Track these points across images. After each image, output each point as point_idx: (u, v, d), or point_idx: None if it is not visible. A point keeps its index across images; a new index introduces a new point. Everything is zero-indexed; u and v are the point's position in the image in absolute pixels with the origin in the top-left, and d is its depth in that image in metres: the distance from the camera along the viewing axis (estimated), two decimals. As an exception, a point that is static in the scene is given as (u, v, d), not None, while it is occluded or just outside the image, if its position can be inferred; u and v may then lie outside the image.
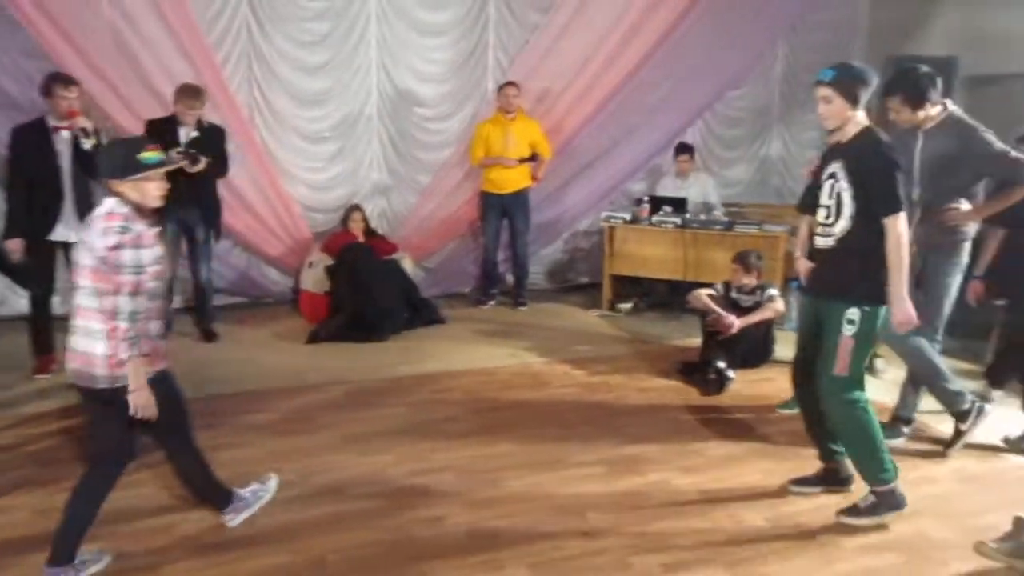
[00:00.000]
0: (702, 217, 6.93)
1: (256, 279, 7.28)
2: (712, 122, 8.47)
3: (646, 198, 7.20)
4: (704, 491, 3.85)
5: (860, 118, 3.45)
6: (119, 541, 3.33)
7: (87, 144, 5.00)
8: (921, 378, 4.36)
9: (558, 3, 7.45)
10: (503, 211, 7.25)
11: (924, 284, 4.23)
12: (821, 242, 3.61)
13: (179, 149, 5.61)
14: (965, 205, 4.10)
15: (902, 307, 3.39)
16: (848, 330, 3.43)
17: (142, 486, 3.80)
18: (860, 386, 3.53)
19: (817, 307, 3.64)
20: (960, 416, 4.26)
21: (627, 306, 7.29)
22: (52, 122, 5.04)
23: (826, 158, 3.63)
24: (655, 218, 6.91)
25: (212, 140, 5.88)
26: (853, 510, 3.57)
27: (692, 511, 3.66)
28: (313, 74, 7.05)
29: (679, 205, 7.01)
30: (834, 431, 3.69)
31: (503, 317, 7.10)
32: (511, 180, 7.11)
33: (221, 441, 4.31)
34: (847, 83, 3.37)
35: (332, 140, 7.26)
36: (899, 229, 3.34)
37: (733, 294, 5.63)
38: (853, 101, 3.39)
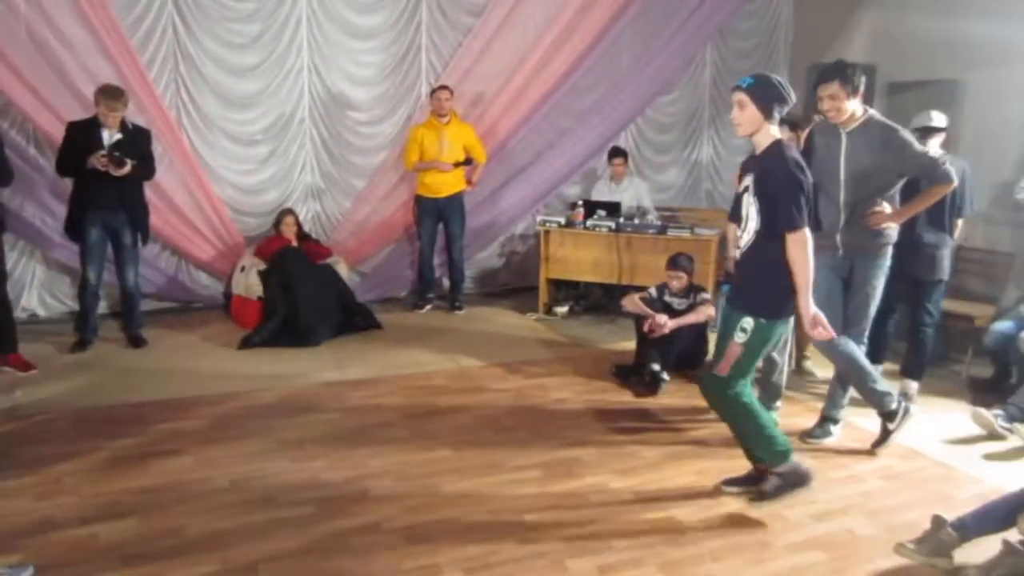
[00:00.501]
0: (635, 221, 7.00)
1: (186, 284, 7.13)
2: (644, 127, 8.59)
3: (580, 202, 7.25)
4: (639, 493, 3.88)
5: (772, 131, 3.46)
6: (41, 552, 3.22)
7: None
8: (849, 379, 4.46)
9: (490, 6, 7.48)
10: (438, 215, 7.23)
11: (850, 287, 4.34)
12: (736, 253, 3.71)
13: (103, 152, 5.48)
14: (887, 208, 4.19)
15: (809, 321, 3.45)
16: (739, 337, 3.50)
17: (62, 495, 3.69)
18: (738, 383, 3.60)
19: (729, 313, 3.70)
20: (888, 416, 4.37)
21: (563, 310, 7.32)
22: None
23: (744, 168, 3.69)
24: (589, 222, 6.96)
25: (137, 142, 5.75)
26: (760, 495, 3.67)
27: (627, 513, 3.69)
28: (243, 76, 6.95)
29: (613, 209, 7.08)
30: (726, 422, 3.78)
31: (439, 321, 7.08)
32: (446, 184, 7.09)
33: (150, 449, 4.23)
34: (763, 93, 3.39)
35: (263, 143, 7.17)
36: (799, 246, 3.36)
37: (666, 297, 5.70)
38: (766, 112, 3.40)
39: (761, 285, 3.50)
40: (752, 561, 3.32)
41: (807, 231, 3.38)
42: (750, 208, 3.51)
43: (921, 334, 5.23)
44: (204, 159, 6.92)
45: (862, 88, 4.15)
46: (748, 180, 3.54)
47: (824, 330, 3.45)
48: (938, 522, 3.30)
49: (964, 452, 4.45)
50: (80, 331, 5.93)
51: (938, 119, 5.23)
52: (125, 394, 5.04)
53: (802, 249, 3.37)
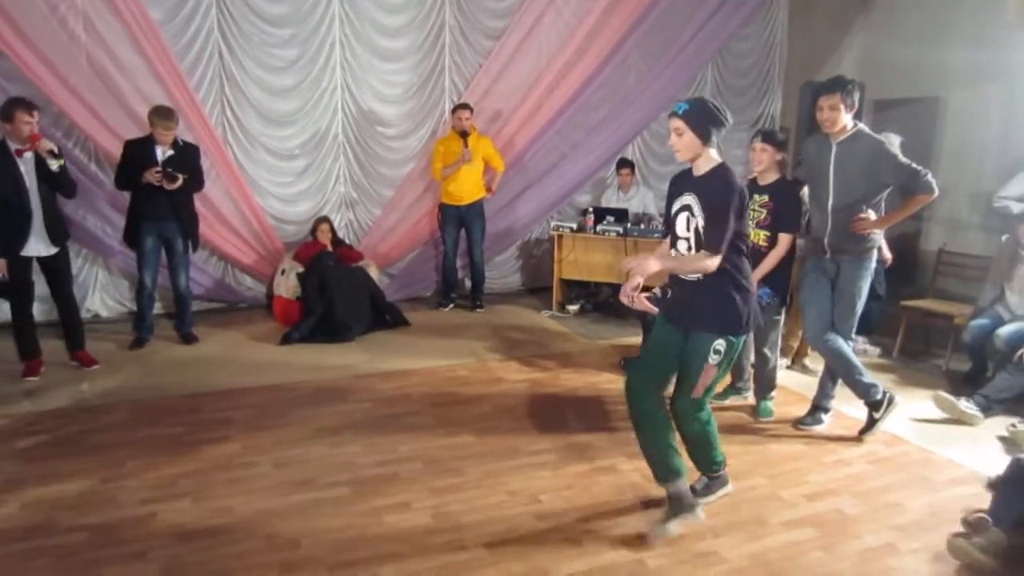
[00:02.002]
0: (641, 226, 7.02)
1: (232, 286, 7.22)
2: (649, 140, 8.61)
3: (591, 209, 7.28)
4: (646, 475, 3.85)
5: (713, 155, 3.21)
6: (106, 530, 3.29)
7: (55, 165, 4.97)
8: (839, 372, 4.47)
9: (508, 30, 7.53)
10: (460, 221, 7.27)
11: (837, 287, 4.35)
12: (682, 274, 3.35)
13: (156, 169, 5.56)
14: (872, 215, 4.20)
15: (648, 263, 3.15)
16: (713, 359, 3.24)
17: (124, 478, 3.76)
18: (706, 403, 3.41)
19: (676, 334, 3.37)
20: (874, 406, 4.38)
21: (575, 307, 7.36)
22: (13, 145, 4.92)
23: (676, 186, 3.36)
24: (599, 227, 6.99)
25: (187, 157, 5.82)
26: (691, 491, 3.45)
27: (635, 493, 3.73)
28: (282, 96, 7.02)
29: (621, 215, 7.11)
30: (682, 437, 3.47)
31: (461, 319, 7.13)
32: (468, 192, 7.13)
33: (201, 436, 4.29)
34: (698, 118, 3.14)
35: (300, 157, 7.23)
36: (708, 265, 3.12)
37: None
38: (704, 137, 3.15)
39: (720, 305, 3.22)
40: (750, 536, 3.35)
41: (718, 260, 3.13)
42: (690, 227, 3.22)
43: None
44: (247, 172, 7.00)
45: (857, 105, 4.17)
46: (689, 199, 3.23)
47: (637, 272, 3.15)
48: (982, 523, 3.27)
49: (943, 439, 4.45)
50: (138, 330, 6.01)
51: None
52: (178, 386, 5.12)
53: (703, 268, 3.14)
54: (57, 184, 5.10)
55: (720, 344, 3.24)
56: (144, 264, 5.83)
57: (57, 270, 5.23)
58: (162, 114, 5.63)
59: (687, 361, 3.31)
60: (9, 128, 4.89)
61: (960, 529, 3.32)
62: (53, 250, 5.16)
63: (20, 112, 4.86)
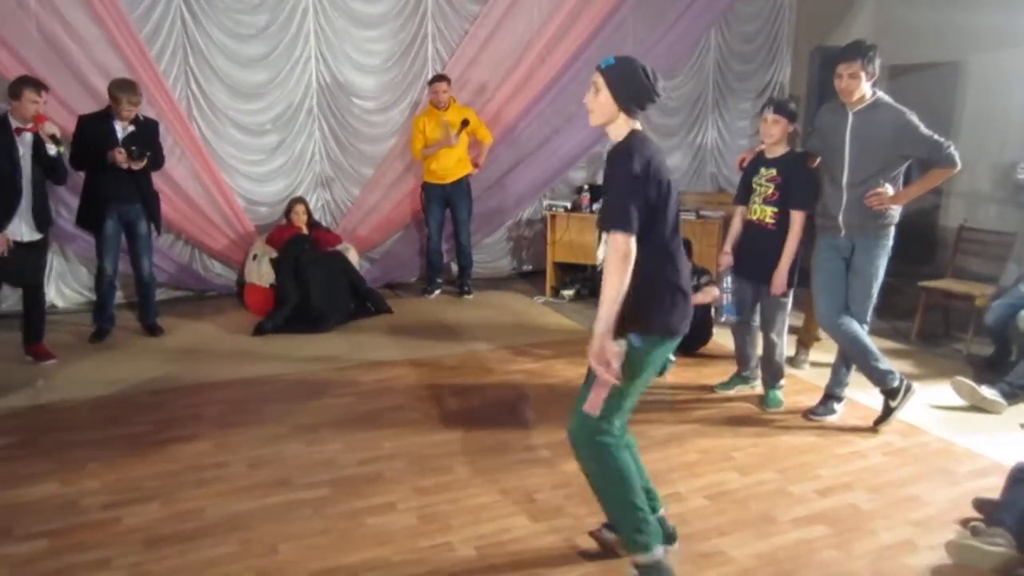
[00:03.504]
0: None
1: (199, 272, 7.20)
2: (649, 111, 8.49)
3: (586, 186, 7.28)
4: (651, 471, 3.91)
5: (630, 121, 2.89)
6: (67, 536, 3.29)
7: (54, 150, 5.08)
8: (853, 358, 4.49)
9: (495, -8, 7.48)
10: (446, 201, 7.26)
11: (852, 268, 4.36)
12: (602, 255, 2.97)
13: (120, 148, 5.52)
14: (889, 189, 4.20)
15: (597, 345, 2.68)
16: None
17: (86, 480, 3.76)
18: (611, 429, 2.91)
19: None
20: (890, 393, 4.40)
21: (570, 292, 7.37)
22: (15, 123, 5.02)
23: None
24: (595, 206, 6.99)
25: (149, 134, 5.78)
26: None
27: (635, 490, 3.74)
28: (251, 67, 6.98)
29: (618, 193, 7.08)
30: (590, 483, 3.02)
31: (448, 306, 7.13)
32: (452, 170, 7.12)
33: (168, 435, 4.29)
34: (620, 78, 2.83)
35: (272, 132, 7.21)
36: (617, 248, 2.69)
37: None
38: (622, 102, 2.83)
39: (635, 298, 2.78)
40: (758, 535, 3.37)
41: (626, 237, 2.69)
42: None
43: None
44: (215, 150, 6.96)
45: (877, 72, 4.17)
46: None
47: (609, 369, 2.70)
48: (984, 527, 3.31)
49: (964, 428, 4.49)
50: (98, 321, 5.98)
51: None
52: (143, 382, 5.11)
53: (618, 253, 2.69)
54: (52, 169, 5.18)
55: (619, 344, 2.79)
56: (104, 249, 5.80)
57: (34, 258, 5.28)
58: (126, 88, 5.58)
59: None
60: (15, 105, 5.02)
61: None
62: (37, 236, 5.23)
63: (28, 91, 5.01)
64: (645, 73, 2.83)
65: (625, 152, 2.80)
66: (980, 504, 3.51)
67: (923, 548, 3.28)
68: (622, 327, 2.80)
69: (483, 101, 7.62)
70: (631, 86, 2.83)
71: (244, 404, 4.78)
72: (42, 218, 5.24)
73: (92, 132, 5.60)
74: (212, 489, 3.71)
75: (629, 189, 2.74)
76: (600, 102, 2.87)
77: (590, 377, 2.89)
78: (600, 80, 2.86)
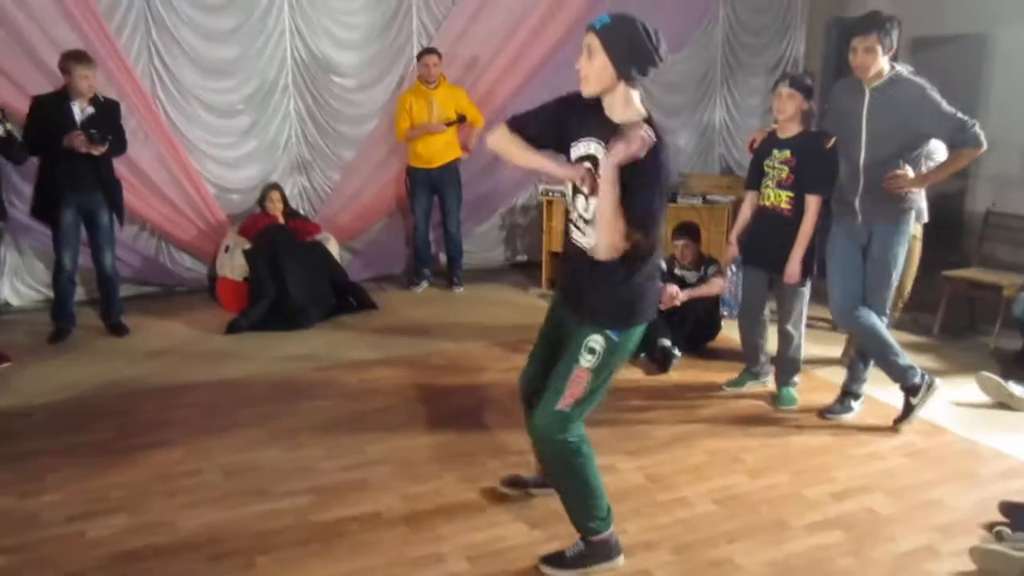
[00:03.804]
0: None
1: (167, 266, 7.21)
2: (652, 88, 8.59)
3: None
4: (650, 475, 3.98)
5: (634, 99, 2.79)
6: (26, 552, 3.31)
7: (0, 129, 5.06)
8: (871, 353, 4.54)
9: (486, -39, 7.49)
10: (433, 187, 7.28)
11: (870, 256, 4.40)
12: (577, 238, 3.01)
13: (79, 132, 5.50)
14: (910, 171, 4.22)
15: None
16: (586, 360, 2.92)
17: (46, 493, 3.78)
18: (579, 425, 3.05)
19: (563, 321, 3.15)
20: (911, 390, 4.44)
21: (567, 285, 7.38)
22: None
23: (577, 116, 2.93)
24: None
25: (110, 115, 5.78)
26: (557, 559, 3.20)
27: (638, 495, 3.78)
28: (220, 41, 6.97)
29: (619, 177, 7.11)
30: (548, 470, 3.29)
31: (437, 299, 7.16)
32: (439, 153, 7.14)
33: (136, 442, 4.31)
34: (617, 39, 2.68)
35: (244, 113, 7.21)
36: (618, 242, 2.73)
37: (677, 271, 5.78)
38: (621, 67, 2.71)
39: (618, 292, 2.90)
40: (769, 542, 3.41)
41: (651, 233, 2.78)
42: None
43: None
44: (182, 132, 6.95)
45: (895, 46, 4.19)
46: (594, 149, 2.85)
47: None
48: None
49: (990, 427, 4.54)
50: (57, 320, 5.98)
51: None
52: (108, 385, 5.13)
53: (616, 242, 2.73)
54: (2, 150, 5.16)
55: (597, 341, 2.90)
56: (62, 241, 5.79)
57: None
58: (75, 57, 5.55)
59: (560, 360, 3.03)
60: None
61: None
62: None
63: None
64: (647, 33, 2.68)
65: (662, 143, 2.71)
66: (1007, 508, 3.57)
67: (945, 555, 3.33)
68: (601, 318, 2.93)
69: (473, 78, 7.63)
70: (630, 48, 2.68)
71: (218, 408, 4.80)
72: None
73: (48, 114, 5.58)
74: (184, 499, 3.73)
75: (657, 188, 2.71)
76: (595, 68, 2.73)
77: (557, 371, 3.01)
78: (595, 42, 2.71)
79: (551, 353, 3.17)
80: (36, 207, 5.84)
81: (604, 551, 3.19)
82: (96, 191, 5.77)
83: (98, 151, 5.57)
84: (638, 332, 3.02)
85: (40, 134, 5.57)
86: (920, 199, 4.99)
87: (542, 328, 3.32)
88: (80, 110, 5.64)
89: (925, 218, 5.33)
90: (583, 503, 3.16)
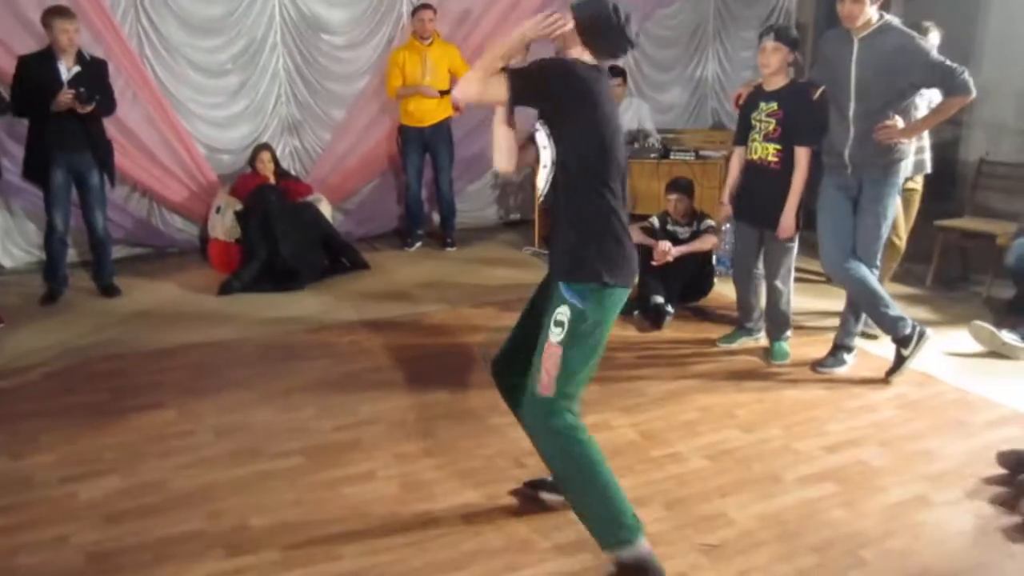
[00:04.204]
0: (635, 145, 6.97)
1: (158, 227, 7.15)
2: (644, 42, 8.47)
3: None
4: (643, 431, 3.96)
5: (581, 53, 2.87)
6: (20, 513, 3.30)
7: None
8: (862, 305, 4.51)
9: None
10: (424, 145, 7.20)
11: (860, 208, 4.36)
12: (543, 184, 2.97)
13: (67, 90, 5.42)
14: (900, 121, 4.17)
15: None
16: (555, 334, 2.76)
17: (39, 453, 3.77)
18: (571, 410, 2.83)
19: (549, 286, 2.97)
20: (902, 342, 4.42)
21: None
22: None
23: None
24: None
25: (97, 74, 5.69)
26: None
27: (631, 451, 3.77)
28: (207, -1, 6.85)
29: (612, 133, 7.03)
30: (553, 473, 3.02)
31: (430, 259, 7.12)
32: (431, 112, 7.04)
33: (129, 403, 4.30)
34: (587, 10, 2.82)
35: (233, 72, 7.11)
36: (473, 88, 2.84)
37: (669, 226, 5.72)
38: (585, 34, 2.83)
39: (574, 249, 2.80)
40: (761, 496, 3.40)
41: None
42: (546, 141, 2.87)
43: None
44: (170, 92, 6.86)
45: None
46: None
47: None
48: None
49: (982, 376, 4.53)
50: (49, 281, 5.95)
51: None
52: (100, 346, 5.10)
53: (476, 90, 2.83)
54: None
55: (563, 313, 2.76)
56: (53, 203, 5.74)
57: None
58: (58, 12, 5.48)
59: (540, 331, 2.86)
60: None
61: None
62: None
63: None
64: (615, 11, 2.79)
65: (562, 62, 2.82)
66: (1005, 457, 3.54)
67: (937, 504, 3.33)
68: (565, 273, 2.81)
69: (465, 32, 7.51)
70: (596, 21, 2.81)
71: (210, 369, 4.78)
72: None
73: (34, 73, 5.50)
74: (176, 460, 3.72)
75: (534, 70, 2.79)
76: (567, 35, 2.84)
77: (537, 349, 2.84)
78: (569, 15, 2.83)
79: (530, 322, 3.04)
80: (26, 168, 5.77)
81: (639, 572, 2.76)
82: (85, 151, 5.70)
83: (84, 110, 5.49)
84: (610, 300, 2.82)
85: (27, 94, 5.50)
86: (924, 149, 4.96)
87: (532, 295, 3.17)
88: (67, 69, 5.55)
89: (928, 169, 5.26)
90: (600, 508, 2.80)
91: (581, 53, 2.86)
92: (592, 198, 2.80)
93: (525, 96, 2.79)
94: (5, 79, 5.76)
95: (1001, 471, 3.51)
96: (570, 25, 2.81)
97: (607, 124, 2.80)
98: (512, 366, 3.09)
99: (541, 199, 3.01)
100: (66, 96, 5.41)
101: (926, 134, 4.94)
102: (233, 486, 3.51)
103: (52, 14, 5.46)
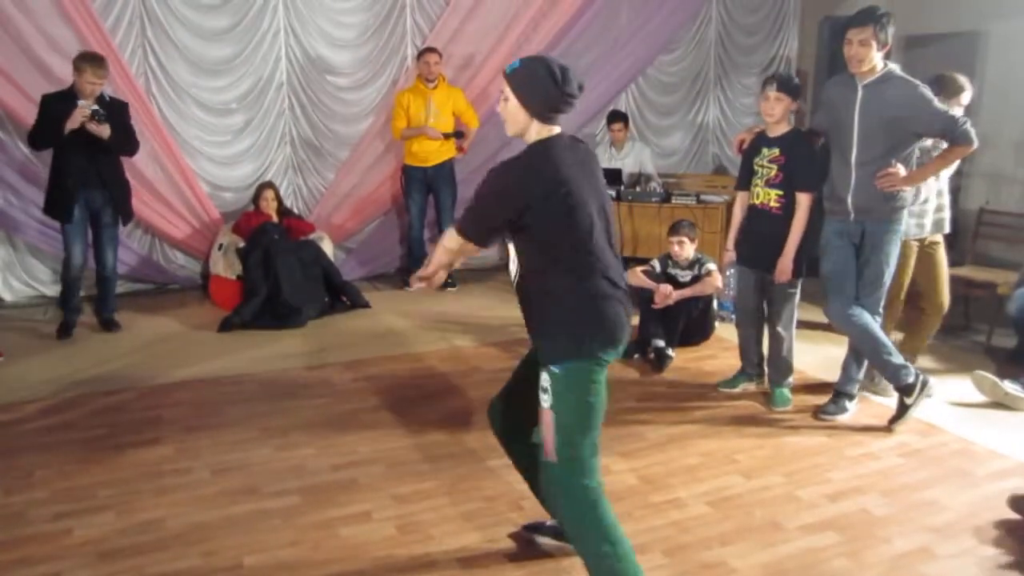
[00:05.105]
0: (637, 188, 6.99)
1: (160, 264, 7.16)
2: (646, 88, 8.58)
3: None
4: (643, 476, 3.92)
5: (544, 129, 2.81)
6: (13, 549, 3.25)
7: None
8: (865, 352, 4.49)
9: (480, -39, 7.44)
10: (428, 185, 7.23)
11: (862, 254, 4.35)
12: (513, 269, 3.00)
13: (86, 106, 5.39)
14: (901, 169, 4.19)
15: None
16: (544, 400, 2.77)
17: (34, 490, 3.72)
18: (583, 473, 2.78)
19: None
20: (905, 390, 4.39)
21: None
22: None
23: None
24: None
25: (116, 114, 5.69)
26: None
27: (631, 497, 3.72)
28: (215, 40, 6.93)
29: (614, 176, 7.08)
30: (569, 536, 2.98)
31: (430, 299, 7.09)
32: (435, 152, 7.08)
33: (125, 440, 4.26)
34: (526, 84, 2.75)
35: (239, 112, 7.17)
36: (451, 242, 2.94)
37: (670, 269, 5.72)
38: (530, 109, 2.77)
39: (550, 321, 2.82)
40: (763, 544, 3.35)
41: (464, 246, 2.90)
42: None
43: None
44: (176, 130, 6.91)
45: (890, 42, 4.15)
46: None
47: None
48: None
49: (985, 426, 4.49)
50: (65, 311, 5.95)
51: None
52: (99, 381, 5.07)
53: (446, 248, 2.96)
54: None
55: (545, 380, 2.75)
56: (71, 238, 5.74)
57: None
58: (95, 60, 5.47)
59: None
60: None
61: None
62: None
63: None
64: (552, 76, 2.71)
65: (504, 168, 2.77)
66: (1018, 502, 3.51)
67: (941, 556, 3.27)
68: (550, 354, 2.77)
69: (468, 77, 7.58)
70: (539, 92, 2.74)
71: (208, 405, 4.74)
72: None
73: (54, 110, 5.47)
74: (173, 497, 3.68)
75: (485, 204, 2.80)
76: (509, 110, 2.81)
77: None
78: (507, 87, 2.79)
79: (528, 369, 3.02)
80: (48, 205, 5.75)
81: None
82: (97, 188, 5.69)
83: (98, 131, 5.45)
84: (593, 369, 2.78)
85: (45, 130, 5.48)
86: (944, 208, 4.90)
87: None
88: (87, 106, 5.50)
89: (947, 228, 5.00)
90: (605, 568, 2.73)
91: (536, 130, 2.81)
92: (563, 275, 2.76)
93: (491, 237, 2.87)
94: (16, 117, 5.77)
95: (1014, 516, 3.48)
96: (513, 100, 2.78)
97: (580, 194, 2.73)
98: (508, 409, 3.13)
99: (514, 281, 2.99)
100: (82, 112, 5.39)
101: (946, 192, 4.88)
102: (229, 525, 3.46)
103: (85, 60, 5.45)
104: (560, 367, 2.73)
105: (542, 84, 2.73)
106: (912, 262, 4.86)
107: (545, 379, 2.75)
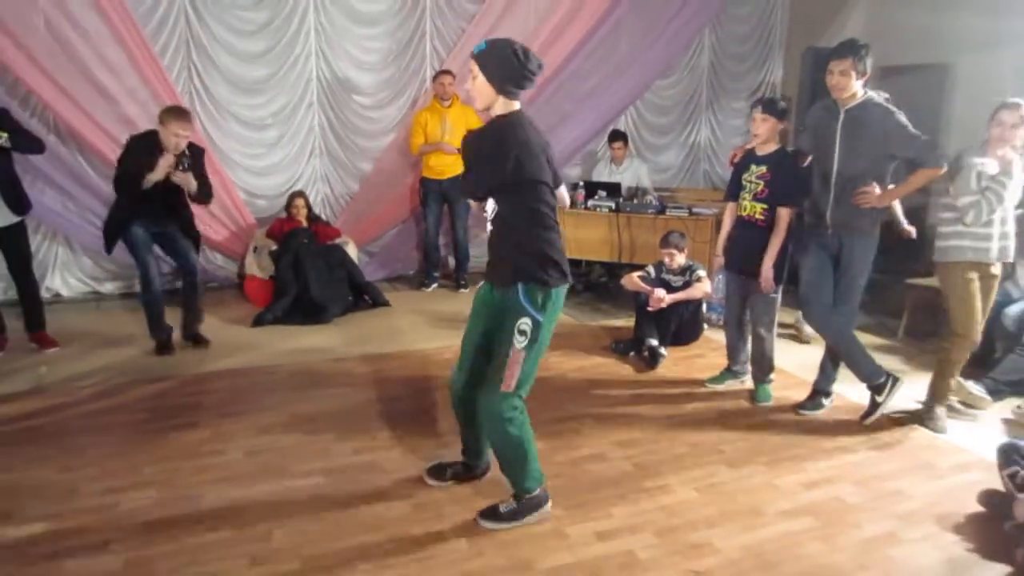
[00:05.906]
0: (635, 201, 7.00)
1: (201, 264, 7.12)
2: (643, 109, 8.58)
3: (581, 183, 7.26)
4: (637, 463, 3.92)
5: (508, 103, 3.06)
6: (65, 519, 3.28)
7: (2, 139, 4.89)
8: (840, 353, 4.49)
9: (493, -7, 7.45)
10: (443, 196, 7.23)
11: (840, 265, 4.35)
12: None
13: (167, 154, 5.00)
14: (877, 189, 4.19)
15: None
16: (519, 342, 3.08)
17: (86, 467, 3.75)
18: (520, 398, 3.19)
19: (495, 303, 3.28)
20: (876, 389, 4.40)
21: (564, 287, 7.34)
22: None
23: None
24: (590, 202, 6.96)
25: (195, 161, 5.22)
26: (492, 514, 3.33)
27: (625, 482, 3.73)
28: (252, 62, 6.96)
29: (613, 190, 7.08)
30: (491, 445, 3.37)
31: (445, 299, 7.12)
32: (450, 166, 7.08)
33: (168, 423, 4.28)
34: (491, 61, 2.97)
35: (273, 127, 7.19)
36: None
37: (664, 275, 5.73)
38: (496, 83, 2.99)
39: (519, 261, 3.13)
40: (745, 527, 3.36)
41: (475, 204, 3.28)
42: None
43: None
44: (216, 143, 6.94)
45: (869, 71, 4.15)
46: None
47: None
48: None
49: (950, 423, 4.47)
50: (156, 333, 5.48)
51: None
52: (144, 371, 5.09)
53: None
54: (16, 150, 5.01)
55: (525, 323, 3.07)
56: (141, 254, 5.23)
57: (16, 244, 5.20)
58: (178, 114, 5.02)
59: (496, 343, 3.19)
60: None
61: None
62: (13, 219, 5.13)
63: None
64: (515, 54, 2.94)
65: (487, 135, 3.06)
66: (986, 496, 3.52)
67: (906, 541, 3.28)
68: (518, 276, 3.09)
69: (481, 98, 7.59)
70: (503, 68, 2.96)
71: (242, 394, 4.76)
72: (15, 202, 5.08)
73: (138, 156, 5.01)
74: (209, 476, 3.70)
75: (485, 167, 3.06)
76: (477, 86, 3.03)
77: (495, 355, 3.15)
78: (474, 66, 3.00)
79: (478, 338, 3.36)
80: (105, 240, 5.27)
81: (535, 503, 3.32)
82: (171, 223, 5.34)
83: (184, 179, 5.10)
84: (557, 298, 3.14)
85: (134, 173, 4.99)
86: (1008, 236, 4.27)
87: (467, 328, 3.46)
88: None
89: (1010, 257, 4.34)
90: (523, 468, 3.26)
91: (501, 103, 3.06)
92: (532, 222, 3.11)
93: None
94: (70, 129, 5.77)
95: (980, 510, 3.48)
96: (480, 77, 2.99)
97: (539, 157, 3.08)
98: (471, 376, 3.39)
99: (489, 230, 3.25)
100: (167, 159, 4.99)
101: (1012, 222, 4.28)
102: (259, 502, 3.48)
103: (171, 114, 4.98)
104: (538, 306, 3.09)
105: (507, 62, 2.95)
106: (974, 288, 4.30)
107: (526, 323, 3.08)
